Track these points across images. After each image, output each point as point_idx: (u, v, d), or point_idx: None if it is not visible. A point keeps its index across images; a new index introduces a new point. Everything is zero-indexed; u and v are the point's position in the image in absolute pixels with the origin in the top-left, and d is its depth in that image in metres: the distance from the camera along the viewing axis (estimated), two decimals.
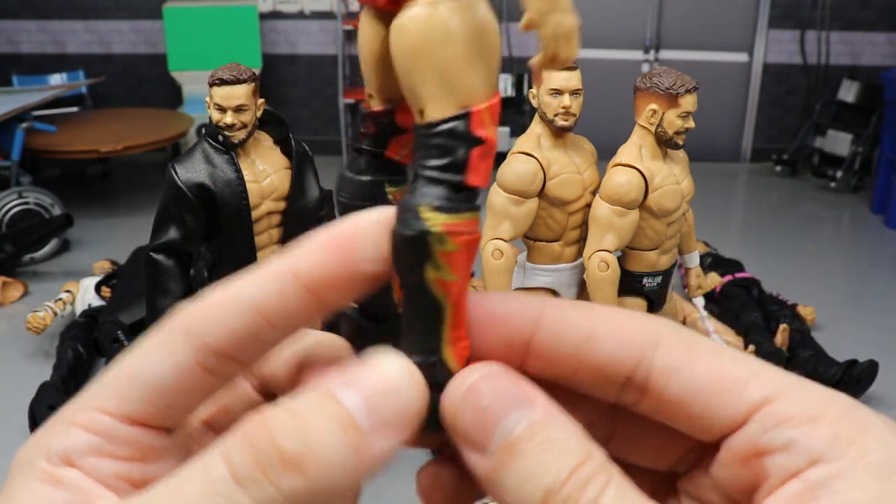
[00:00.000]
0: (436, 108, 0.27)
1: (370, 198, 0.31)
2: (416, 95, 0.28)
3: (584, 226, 1.86)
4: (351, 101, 5.23)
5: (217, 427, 0.31)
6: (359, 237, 0.27)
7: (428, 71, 0.27)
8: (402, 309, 0.29)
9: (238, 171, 1.82)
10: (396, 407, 0.25)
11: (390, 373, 0.26)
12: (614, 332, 0.28)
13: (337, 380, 0.26)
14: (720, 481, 0.28)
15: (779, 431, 0.26)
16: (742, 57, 5.39)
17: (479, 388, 0.27)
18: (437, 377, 0.28)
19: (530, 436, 0.26)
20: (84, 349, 2.61)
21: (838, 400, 0.26)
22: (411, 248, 0.27)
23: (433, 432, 0.28)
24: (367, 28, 0.30)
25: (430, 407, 0.27)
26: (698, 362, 0.27)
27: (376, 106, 0.31)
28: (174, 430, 0.28)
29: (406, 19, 0.27)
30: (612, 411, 0.31)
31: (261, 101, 1.86)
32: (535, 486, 0.25)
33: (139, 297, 2.20)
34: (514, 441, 0.26)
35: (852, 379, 2.42)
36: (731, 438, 0.27)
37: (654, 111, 1.76)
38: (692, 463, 0.30)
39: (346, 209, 0.30)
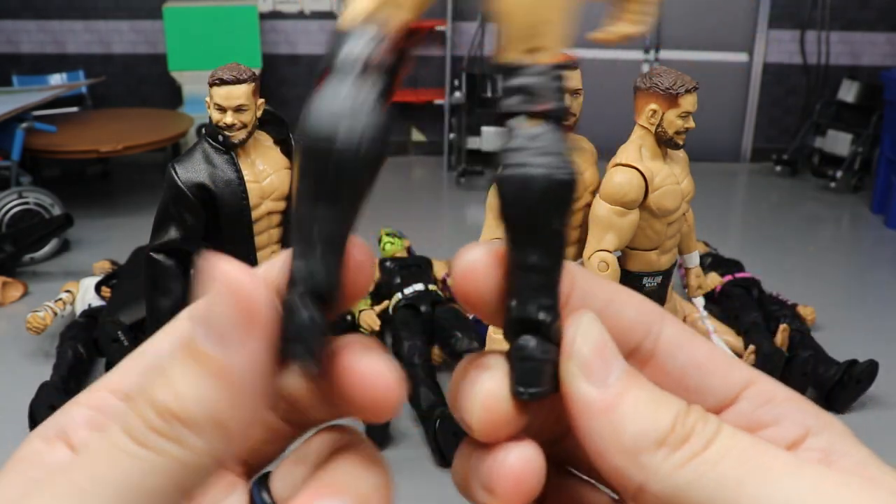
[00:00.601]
0: (554, 52, 0.26)
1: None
2: (536, 34, 0.26)
3: (584, 226, 1.86)
4: None
5: None
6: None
7: (559, 13, 0.26)
8: (510, 270, 0.27)
9: (238, 171, 1.82)
10: (223, 314, 0.24)
11: (210, 283, 0.25)
12: (631, 303, 0.30)
13: (184, 314, 0.27)
14: None
15: (769, 408, 0.28)
16: (742, 57, 5.39)
17: (598, 323, 0.28)
18: (554, 336, 0.27)
19: (637, 376, 0.27)
20: (84, 349, 2.61)
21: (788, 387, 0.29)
22: (560, 190, 0.25)
23: (554, 392, 0.27)
24: None
25: (553, 366, 0.27)
26: (696, 344, 0.30)
27: (402, 20, 0.26)
28: None
29: None
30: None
31: (261, 101, 1.86)
32: (665, 411, 0.26)
33: (139, 297, 2.20)
34: (632, 376, 0.27)
35: (852, 379, 2.42)
36: (725, 415, 0.29)
37: (654, 111, 1.76)
38: None
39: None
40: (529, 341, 0.27)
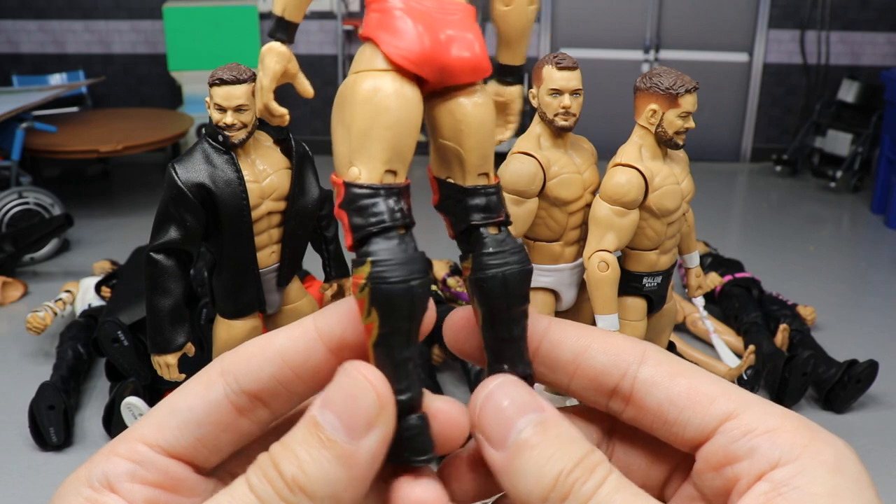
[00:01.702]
0: (493, 174, 0.36)
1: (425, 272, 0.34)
2: (486, 162, 0.36)
3: (583, 226, 1.86)
4: None
5: None
6: None
7: (492, 149, 0.36)
8: (493, 341, 0.34)
9: (238, 171, 1.82)
10: (359, 411, 0.29)
11: (346, 382, 0.29)
12: (605, 349, 0.33)
13: (317, 404, 0.29)
14: (701, 490, 0.32)
15: (744, 441, 0.30)
16: (742, 57, 5.39)
17: (499, 392, 0.31)
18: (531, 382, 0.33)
19: (543, 431, 0.29)
20: (84, 349, 2.61)
21: (792, 415, 0.30)
22: (528, 280, 0.33)
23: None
24: (413, 98, 0.32)
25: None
26: (676, 378, 0.32)
27: (400, 179, 0.34)
28: (205, 471, 0.31)
29: (487, 96, 0.35)
30: (611, 432, 0.36)
31: None
32: (547, 471, 0.28)
33: (139, 297, 2.20)
34: (529, 435, 0.29)
35: (852, 379, 2.42)
36: (704, 449, 0.31)
37: (654, 111, 1.76)
38: (680, 477, 0.34)
39: (422, 293, 0.32)
40: (411, 419, 0.31)
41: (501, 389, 0.31)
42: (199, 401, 0.30)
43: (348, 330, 0.31)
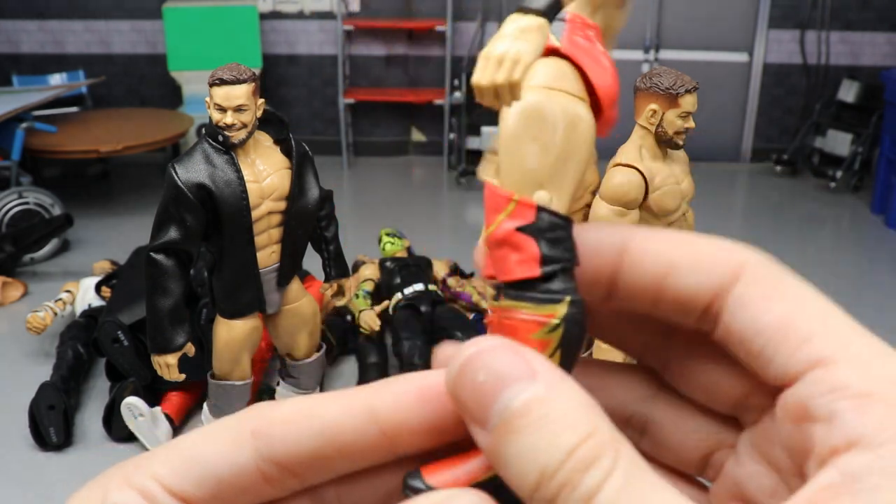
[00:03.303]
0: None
1: None
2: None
3: None
4: (351, 101, 5.23)
5: None
6: (442, 394, 0.27)
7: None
8: None
9: (238, 171, 1.82)
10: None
11: None
12: (695, 265, 0.28)
13: None
14: (781, 439, 0.26)
15: (827, 399, 0.24)
16: (742, 57, 5.39)
17: (474, 363, 0.25)
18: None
19: (527, 411, 0.24)
20: (84, 349, 2.61)
21: None
22: (585, 334, 0.29)
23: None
24: (592, 124, 0.30)
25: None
26: (771, 302, 0.26)
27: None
28: None
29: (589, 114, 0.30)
30: (668, 335, 0.31)
31: (261, 101, 1.86)
32: (530, 466, 0.23)
33: (139, 297, 2.20)
34: (511, 416, 0.24)
35: None
36: (785, 394, 0.25)
37: (654, 111, 1.76)
38: (754, 413, 0.29)
39: None
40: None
41: (482, 355, 0.25)
42: (224, 459, 0.27)
43: (408, 414, 0.27)
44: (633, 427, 0.32)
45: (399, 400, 0.27)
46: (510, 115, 0.29)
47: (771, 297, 0.26)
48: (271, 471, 0.27)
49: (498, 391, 0.24)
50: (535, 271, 0.28)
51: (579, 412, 0.24)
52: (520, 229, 0.28)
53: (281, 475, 0.27)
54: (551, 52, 0.29)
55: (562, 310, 0.27)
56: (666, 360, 0.31)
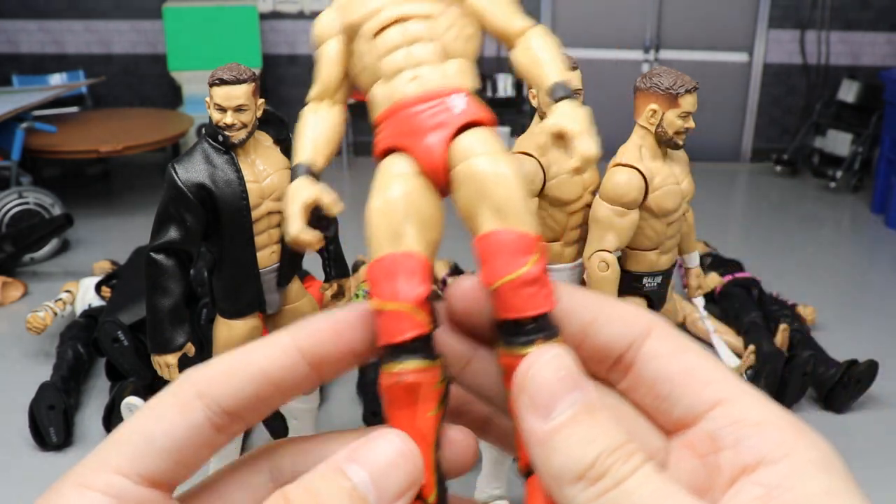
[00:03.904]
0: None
1: None
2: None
3: (584, 226, 1.86)
4: (351, 101, 5.22)
5: None
6: (352, 325, 0.32)
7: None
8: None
9: (238, 171, 1.82)
10: (398, 481, 0.29)
11: (390, 449, 0.30)
12: (614, 319, 0.33)
13: (345, 456, 0.30)
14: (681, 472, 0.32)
15: (730, 430, 0.29)
16: (742, 57, 5.39)
17: (555, 363, 0.30)
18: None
19: (588, 411, 0.29)
20: (84, 349, 2.61)
21: (783, 412, 0.30)
22: None
23: None
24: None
25: None
26: (678, 355, 0.32)
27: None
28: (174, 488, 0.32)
29: None
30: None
31: (261, 101, 1.86)
32: (590, 450, 0.28)
33: (139, 297, 2.20)
34: (578, 411, 0.29)
35: (852, 379, 2.42)
36: (689, 432, 0.31)
37: (654, 111, 1.76)
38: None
39: None
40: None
41: (558, 360, 0.30)
42: (177, 426, 0.30)
43: (328, 346, 0.32)
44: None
45: (318, 335, 0.32)
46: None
47: (677, 352, 0.32)
48: (222, 421, 0.31)
49: (567, 390, 0.29)
50: (553, 303, 0.32)
51: (617, 423, 0.30)
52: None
53: (230, 421, 0.31)
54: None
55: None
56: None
